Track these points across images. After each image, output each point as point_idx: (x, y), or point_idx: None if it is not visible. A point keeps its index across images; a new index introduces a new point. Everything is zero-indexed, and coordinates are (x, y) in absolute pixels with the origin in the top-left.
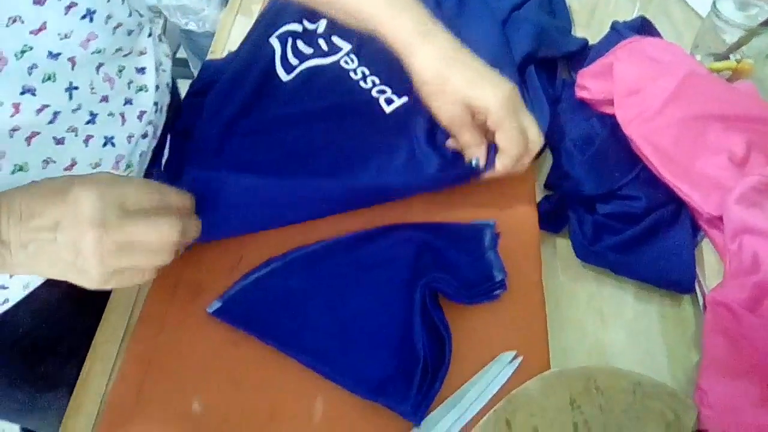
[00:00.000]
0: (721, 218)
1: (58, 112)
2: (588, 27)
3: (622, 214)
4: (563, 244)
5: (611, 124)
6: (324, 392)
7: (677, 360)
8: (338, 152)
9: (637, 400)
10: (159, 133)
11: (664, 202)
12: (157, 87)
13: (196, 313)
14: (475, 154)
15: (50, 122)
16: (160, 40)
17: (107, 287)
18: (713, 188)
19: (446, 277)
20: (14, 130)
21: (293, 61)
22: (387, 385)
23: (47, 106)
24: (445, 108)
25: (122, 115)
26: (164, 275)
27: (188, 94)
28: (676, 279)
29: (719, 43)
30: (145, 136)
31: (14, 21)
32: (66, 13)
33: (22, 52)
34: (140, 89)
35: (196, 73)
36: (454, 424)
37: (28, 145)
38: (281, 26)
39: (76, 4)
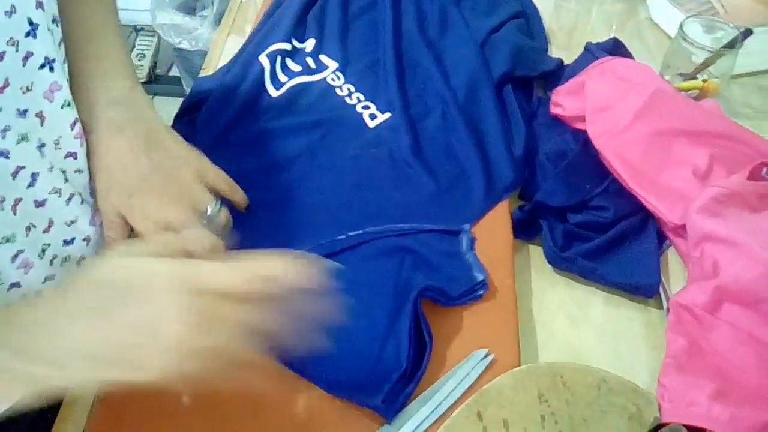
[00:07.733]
0: (685, 227)
1: (36, 173)
2: (567, 48)
3: (591, 223)
4: (536, 251)
5: (583, 139)
6: (305, 389)
7: (642, 359)
8: (324, 163)
9: (602, 395)
10: None
11: (631, 212)
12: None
13: None
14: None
15: (29, 185)
16: None
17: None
18: (678, 199)
19: (435, 287)
20: (1, 200)
21: (282, 77)
22: (362, 385)
23: (22, 168)
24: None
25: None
26: None
27: (181, 110)
28: (641, 284)
29: (687, 63)
30: None
31: None
32: (24, 65)
33: None
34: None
35: (188, 90)
36: (428, 418)
37: (14, 214)
38: (271, 44)
39: (32, 53)
